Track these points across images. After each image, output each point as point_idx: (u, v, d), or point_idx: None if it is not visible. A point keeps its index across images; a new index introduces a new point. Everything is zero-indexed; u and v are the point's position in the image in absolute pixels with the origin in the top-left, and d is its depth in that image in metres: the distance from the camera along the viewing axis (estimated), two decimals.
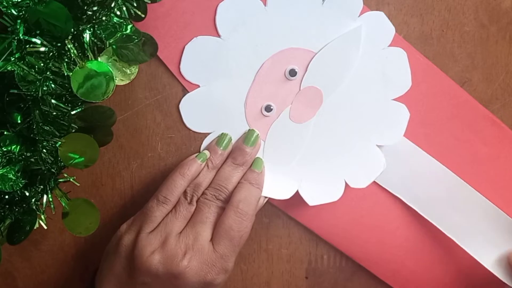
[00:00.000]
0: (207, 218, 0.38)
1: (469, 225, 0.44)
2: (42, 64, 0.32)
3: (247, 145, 0.40)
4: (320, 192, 0.42)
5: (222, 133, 0.41)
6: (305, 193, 0.42)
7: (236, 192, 0.39)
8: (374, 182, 0.43)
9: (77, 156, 0.37)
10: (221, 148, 0.40)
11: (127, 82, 0.40)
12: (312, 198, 0.42)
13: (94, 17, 0.34)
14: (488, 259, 0.44)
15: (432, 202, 0.43)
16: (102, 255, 0.41)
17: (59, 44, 0.32)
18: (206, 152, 0.41)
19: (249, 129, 0.41)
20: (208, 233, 0.38)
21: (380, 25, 0.40)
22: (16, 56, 0.31)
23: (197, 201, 0.39)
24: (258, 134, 0.41)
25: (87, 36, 0.33)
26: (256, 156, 0.42)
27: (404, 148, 0.42)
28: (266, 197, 0.43)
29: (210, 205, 0.39)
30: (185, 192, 0.39)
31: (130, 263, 0.38)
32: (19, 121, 0.35)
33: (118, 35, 0.35)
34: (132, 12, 0.35)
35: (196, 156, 0.40)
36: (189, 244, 0.37)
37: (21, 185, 0.35)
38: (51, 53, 0.32)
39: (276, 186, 0.42)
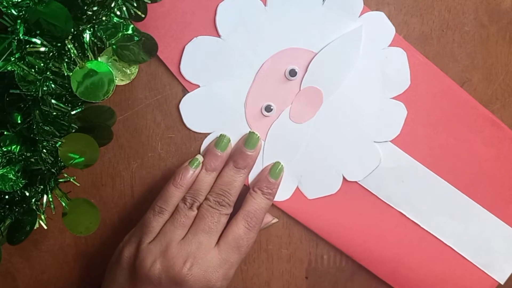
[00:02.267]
0: (210, 227, 0.38)
1: (468, 234, 0.44)
2: (42, 64, 0.32)
3: (247, 148, 0.40)
4: (318, 186, 0.43)
5: (221, 134, 0.41)
6: (304, 188, 0.43)
7: (248, 203, 0.40)
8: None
9: (77, 156, 0.37)
10: (219, 150, 0.40)
11: (127, 82, 0.40)
12: (311, 192, 0.43)
13: (94, 17, 0.34)
14: (487, 263, 0.45)
15: (433, 214, 0.44)
16: (102, 259, 0.41)
17: (59, 44, 0.32)
18: (199, 157, 0.40)
19: (249, 132, 0.41)
20: (211, 241, 0.38)
21: (380, 25, 0.40)
22: (16, 56, 0.31)
23: (199, 207, 0.39)
24: (258, 136, 0.41)
25: (87, 36, 0.33)
26: (276, 161, 0.42)
27: (404, 163, 0.43)
28: (275, 218, 0.43)
29: (213, 213, 0.38)
30: (184, 198, 0.39)
31: (132, 275, 0.38)
32: (19, 121, 0.35)
33: (119, 35, 0.35)
34: (132, 12, 0.35)
35: (188, 163, 0.40)
36: (191, 251, 0.37)
37: (21, 185, 0.35)
38: (51, 53, 0.32)
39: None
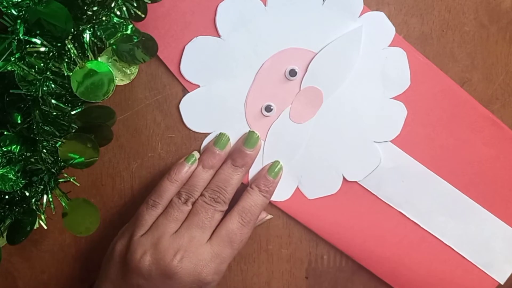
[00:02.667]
0: (204, 223, 0.38)
1: (468, 234, 0.44)
2: (42, 64, 0.32)
3: (247, 147, 0.40)
4: (318, 186, 0.43)
5: (220, 133, 0.41)
6: (304, 188, 0.43)
7: (244, 198, 0.40)
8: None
9: (77, 156, 0.37)
10: (218, 149, 0.40)
11: (127, 82, 0.40)
12: (311, 192, 0.43)
13: (94, 17, 0.34)
14: (487, 263, 0.45)
15: (433, 214, 0.44)
16: (102, 259, 0.41)
17: (59, 44, 0.32)
18: (196, 153, 0.41)
19: (249, 131, 0.41)
20: (203, 237, 0.38)
21: (380, 25, 0.40)
22: (16, 56, 0.31)
23: (194, 203, 0.39)
24: (258, 136, 0.41)
25: (87, 36, 0.33)
26: (276, 160, 0.42)
27: (404, 163, 0.43)
28: (270, 214, 0.43)
29: (207, 208, 0.39)
30: (179, 193, 0.39)
31: (123, 267, 0.38)
32: (19, 121, 0.35)
33: (118, 35, 0.35)
34: (132, 12, 0.35)
35: (185, 159, 0.40)
36: (182, 245, 0.37)
37: (21, 185, 0.35)
38: (51, 53, 0.32)
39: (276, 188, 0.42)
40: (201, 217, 0.38)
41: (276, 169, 0.41)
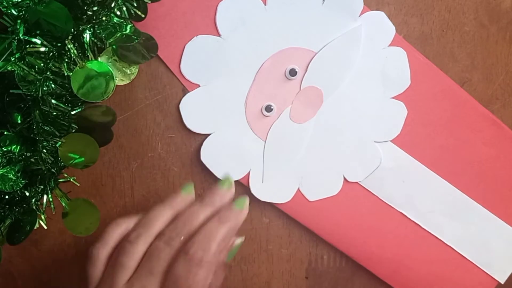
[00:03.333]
0: (155, 268, 0.31)
1: (468, 233, 0.44)
2: (42, 64, 0.32)
3: (219, 187, 0.35)
4: (319, 187, 0.43)
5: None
6: (305, 189, 0.43)
7: (196, 233, 0.32)
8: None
9: (77, 156, 0.37)
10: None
11: (127, 82, 0.40)
12: (312, 194, 0.43)
13: (94, 17, 0.34)
14: (487, 263, 0.45)
15: (433, 214, 0.44)
16: None
17: (59, 44, 0.32)
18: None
19: (225, 174, 0.40)
20: (155, 286, 0.31)
21: (380, 25, 0.40)
22: (16, 56, 0.31)
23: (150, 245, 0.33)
24: (232, 181, 0.35)
25: (87, 36, 0.33)
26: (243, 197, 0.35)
27: (405, 163, 0.43)
28: (240, 237, 0.36)
29: (161, 250, 0.32)
30: (128, 234, 0.33)
31: None
32: (19, 121, 0.35)
33: (118, 35, 0.35)
34: (132, 12, 0.35)
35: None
36: None
37: (21, 185, 0.35)
38: (51, 53, 0.32)
39: (276, 190, 0.42)
40: (152, 261, 0.32)
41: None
